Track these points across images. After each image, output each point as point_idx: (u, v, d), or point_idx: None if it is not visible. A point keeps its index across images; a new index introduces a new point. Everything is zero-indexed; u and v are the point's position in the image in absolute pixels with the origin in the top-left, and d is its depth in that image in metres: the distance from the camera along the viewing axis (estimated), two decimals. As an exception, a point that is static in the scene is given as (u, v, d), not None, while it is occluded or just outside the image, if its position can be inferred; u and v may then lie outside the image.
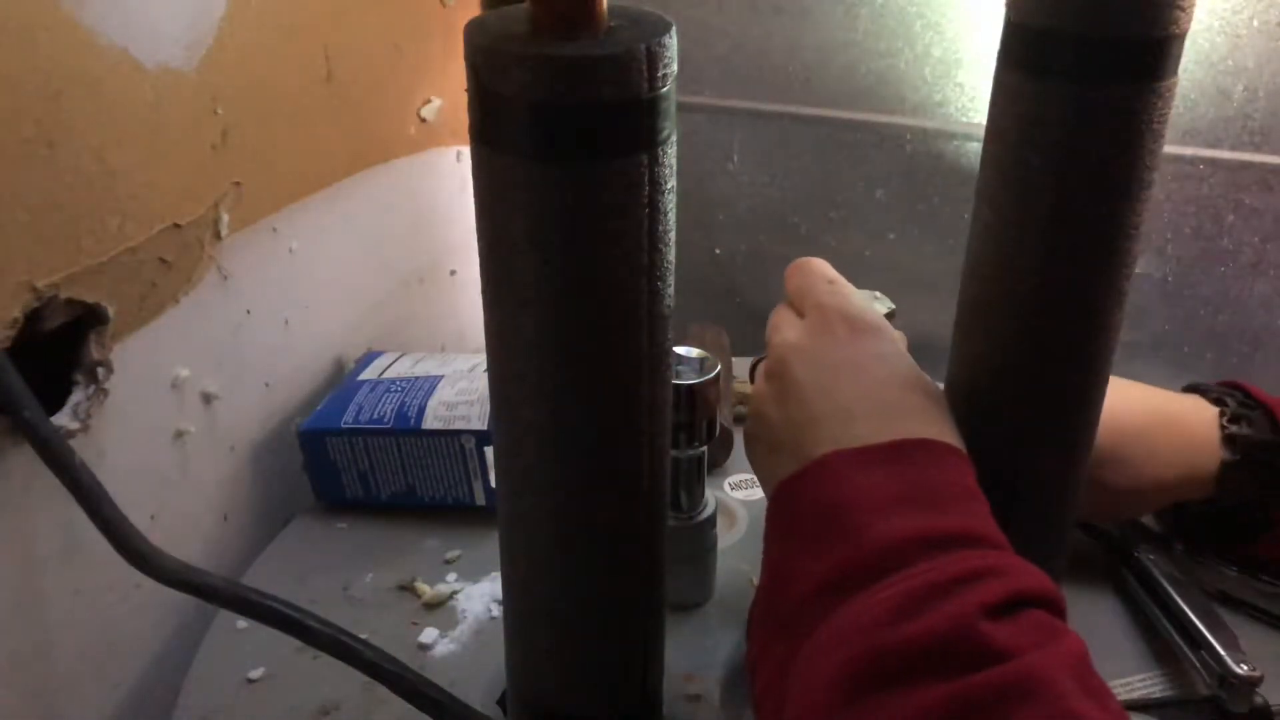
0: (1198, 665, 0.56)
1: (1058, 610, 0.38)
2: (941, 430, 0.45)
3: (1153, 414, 0.60)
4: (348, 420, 0.69)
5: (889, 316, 0.55)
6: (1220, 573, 0.64)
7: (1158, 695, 0.57)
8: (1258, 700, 0.54)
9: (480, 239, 0.40)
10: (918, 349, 0.52)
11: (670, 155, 0.39)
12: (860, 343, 0.48)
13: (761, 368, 0.51)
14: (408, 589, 0.65)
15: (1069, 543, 0.57)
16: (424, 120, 0.87)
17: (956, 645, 0.34)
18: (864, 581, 0.38)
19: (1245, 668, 0.54)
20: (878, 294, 0.57)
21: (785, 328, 0.50)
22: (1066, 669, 0.34)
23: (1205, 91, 0.86)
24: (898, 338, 0.50)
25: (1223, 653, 0.55)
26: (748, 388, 0.82)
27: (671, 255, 0.41)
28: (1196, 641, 0.57)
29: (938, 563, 0.37)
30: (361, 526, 0.71)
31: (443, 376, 0.73)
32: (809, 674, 0.37)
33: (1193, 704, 0.56)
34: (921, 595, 0.36)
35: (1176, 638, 0.58)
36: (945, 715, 0.33)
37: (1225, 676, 0.54)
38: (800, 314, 0.51)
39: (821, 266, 0.53)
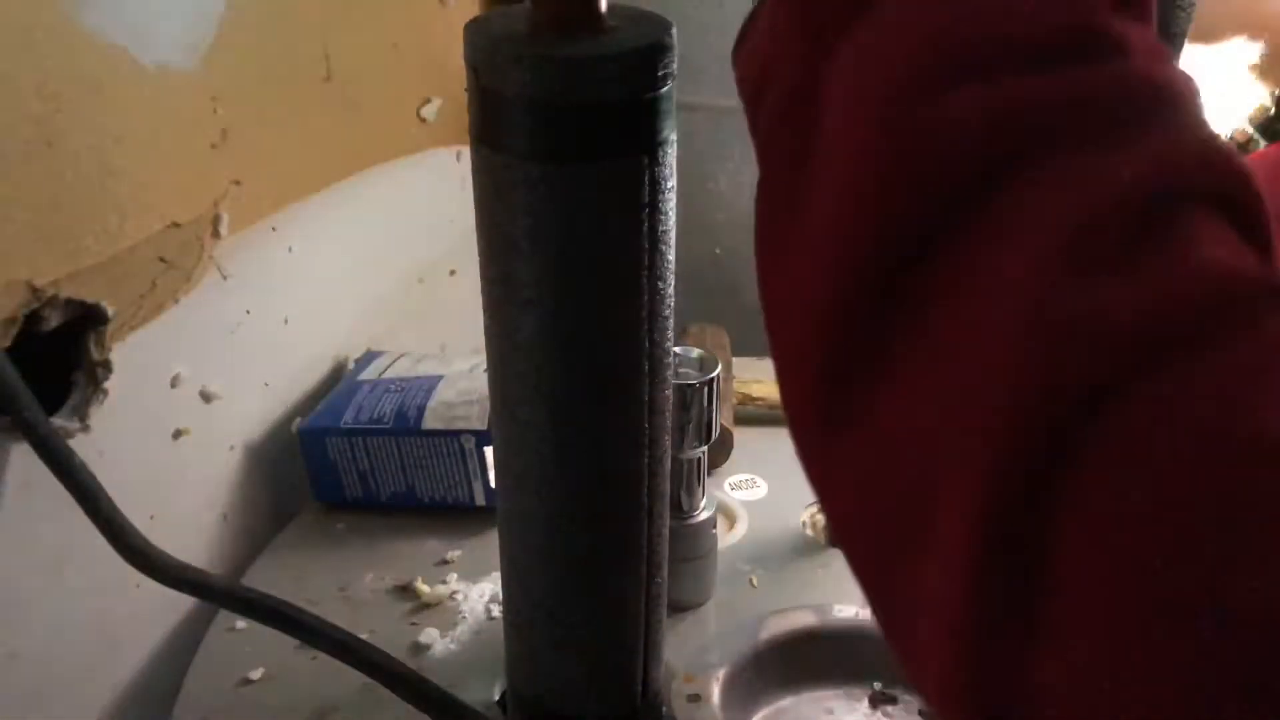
0: None
1: None
2: None
3: None
4: (347, 420, 0.69)
5: None
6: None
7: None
8: None
9: (480, 239, 0.40)
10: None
11: (670, 155, 0.39)
12: None
13: None
14: (408, 589, 0.65)
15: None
16: (424, 120, 0.87)
17: (1070, 32, 0.27)
18: None
19: None
20: None
21: None
22: (1189, 90, 0.27)
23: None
24: None
25: None
26: (748, 388, 0.82)
27: (671, 255, 0.41)
28: None
29: None
30: (361, 526, 0.71)
31: (443, 376, 0.73)
32: (873, 63, 0.29)
33: None
34: None
35: None
36: (1057, 102, 0.26)
37: None
38: None
39: None
